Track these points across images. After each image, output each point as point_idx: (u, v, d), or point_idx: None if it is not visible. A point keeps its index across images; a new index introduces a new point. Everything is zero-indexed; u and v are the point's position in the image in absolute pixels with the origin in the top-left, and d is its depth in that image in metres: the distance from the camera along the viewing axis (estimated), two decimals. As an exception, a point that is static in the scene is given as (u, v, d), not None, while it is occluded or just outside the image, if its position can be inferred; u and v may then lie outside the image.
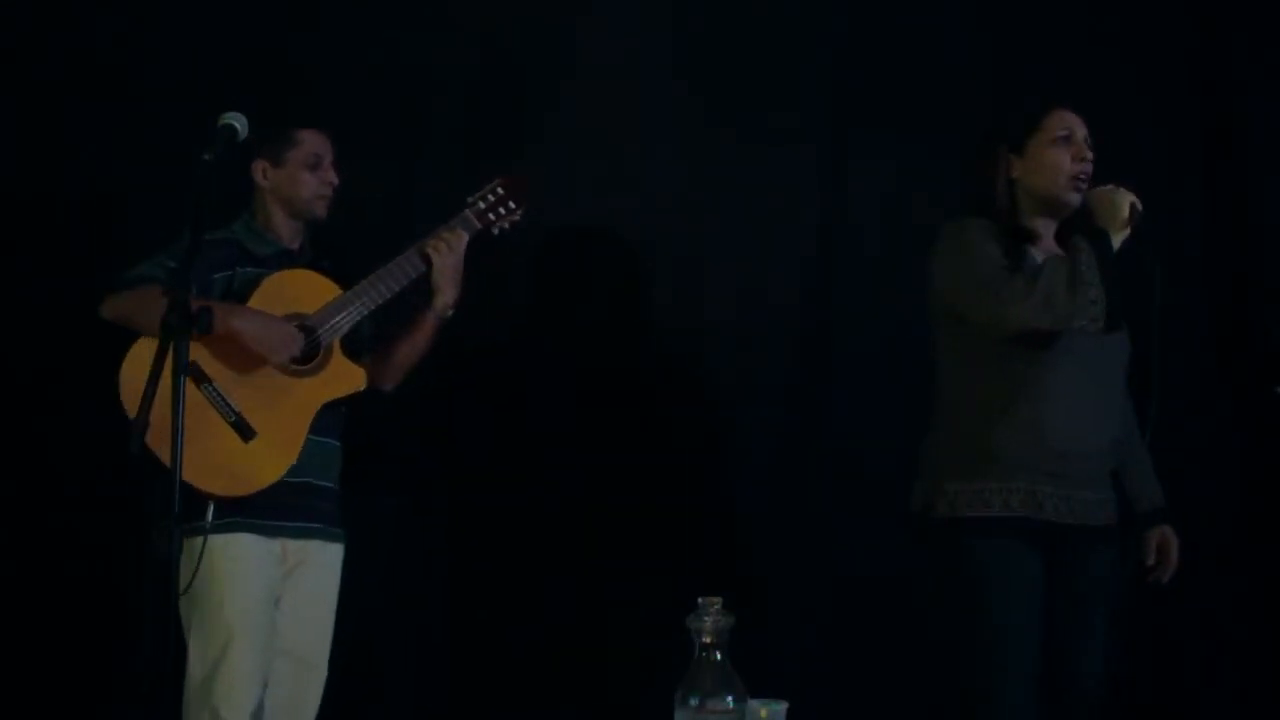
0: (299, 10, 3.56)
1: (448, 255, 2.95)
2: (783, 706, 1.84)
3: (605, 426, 3.49)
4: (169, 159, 2.94)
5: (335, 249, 3.08)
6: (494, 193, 3.03)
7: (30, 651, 3.30)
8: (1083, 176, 2.69)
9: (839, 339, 3.57)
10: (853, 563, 3.44)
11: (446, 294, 2.97)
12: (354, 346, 2.98)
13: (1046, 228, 2.74)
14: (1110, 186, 2.65)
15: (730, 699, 1.85)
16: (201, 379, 2.80)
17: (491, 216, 3.02)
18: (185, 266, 2.42)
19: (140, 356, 2.76)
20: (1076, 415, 2.64)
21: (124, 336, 2.81)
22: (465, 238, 2.98)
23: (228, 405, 2.81)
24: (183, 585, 2.63)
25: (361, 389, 2.92)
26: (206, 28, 3.45)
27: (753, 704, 1.84)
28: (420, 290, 2.97)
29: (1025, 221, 2.72)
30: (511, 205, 3.03)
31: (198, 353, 2.74)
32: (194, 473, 2.59)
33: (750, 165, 3.56)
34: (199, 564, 2.69)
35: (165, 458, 2.52)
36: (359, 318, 2.92)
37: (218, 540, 2.74)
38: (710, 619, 1.88)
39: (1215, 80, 3.63)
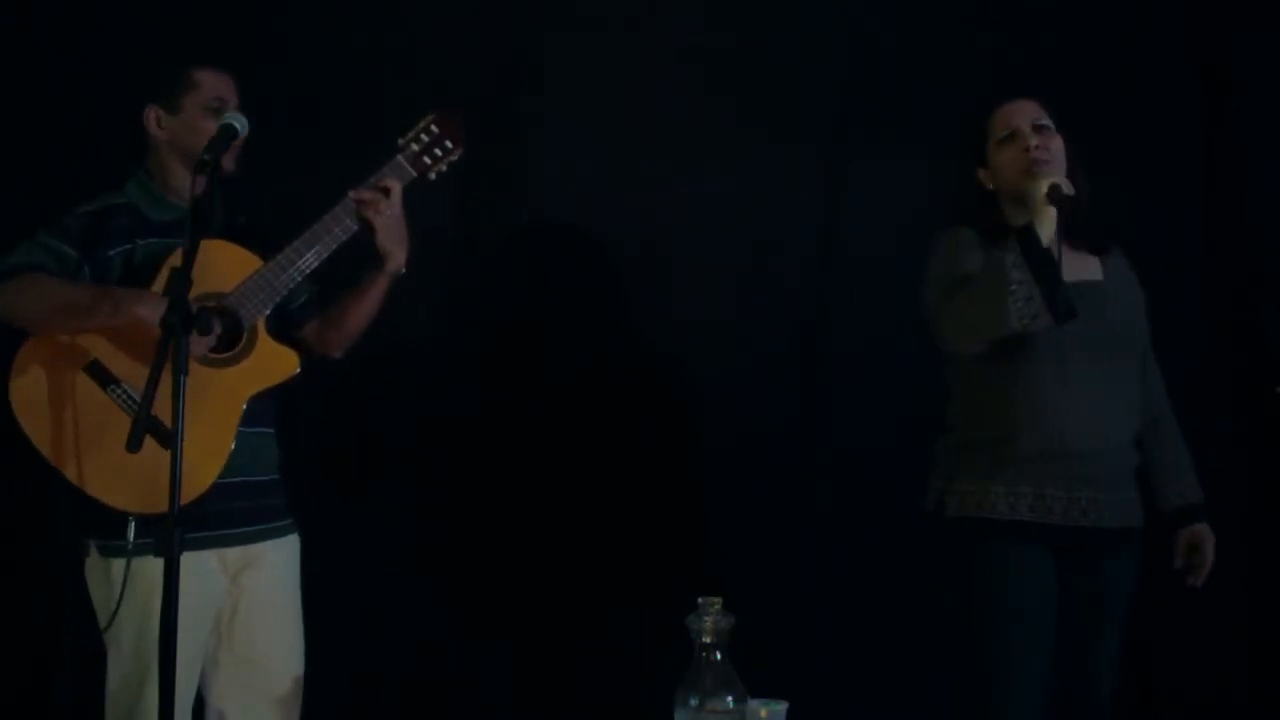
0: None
1: (388, 213, 2.61)
2: (783, 706, 1.85)
3: (605, 425, 3.48)
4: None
5: (250, 205, 2.77)
6: (427, 132, 2.67)
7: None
8: (1038, 160, 2.65)
9: (839, 339, 3.56)
10: (853, 562, 3.43)
11: (396, 255, 2.65)
12: (286, 314, 2.71)
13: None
14: (1030, 173, 2.61)
15: (730, 699, 1.85)
16: (107, 380, 2.48)
17: (427, 160, 2.66)
18: (186, 266, 2.25)
19: (33, 358, 2.50)
20: (1088, 412, 2.60)
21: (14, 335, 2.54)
22: (400, 188, 2.63)
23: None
24: (106, 614, 2.49)
25: (296, 373, 2.59)
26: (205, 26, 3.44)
27: (753, 704, 1.85)
28: (365, 250, 2.66)
29: (1015, 223, 2.68)
30: (448, 145, 2.67)
31: (98, 348, 2.49)
32: (106, 488, 2.44)
33: (751, 164, 3.56)
34: (122, 591, 2.42)
35: (69, 471, 2.44)
36: (285, 292, 2.58)
37: (141, 564, 2.41)
38: (710, 619, 1.88)
39: (1215, 79, 3.63)
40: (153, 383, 2.16)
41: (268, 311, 2.58)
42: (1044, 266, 2.49)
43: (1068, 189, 2.55)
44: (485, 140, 3.47)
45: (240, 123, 2.49)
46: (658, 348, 3.53)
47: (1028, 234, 2.52)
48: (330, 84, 3.38)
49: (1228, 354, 3.54)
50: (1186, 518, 2.79)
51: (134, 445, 2.16)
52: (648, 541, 3.41)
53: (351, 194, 2.63)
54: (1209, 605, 3.34)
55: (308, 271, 2.60)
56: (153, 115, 2.65)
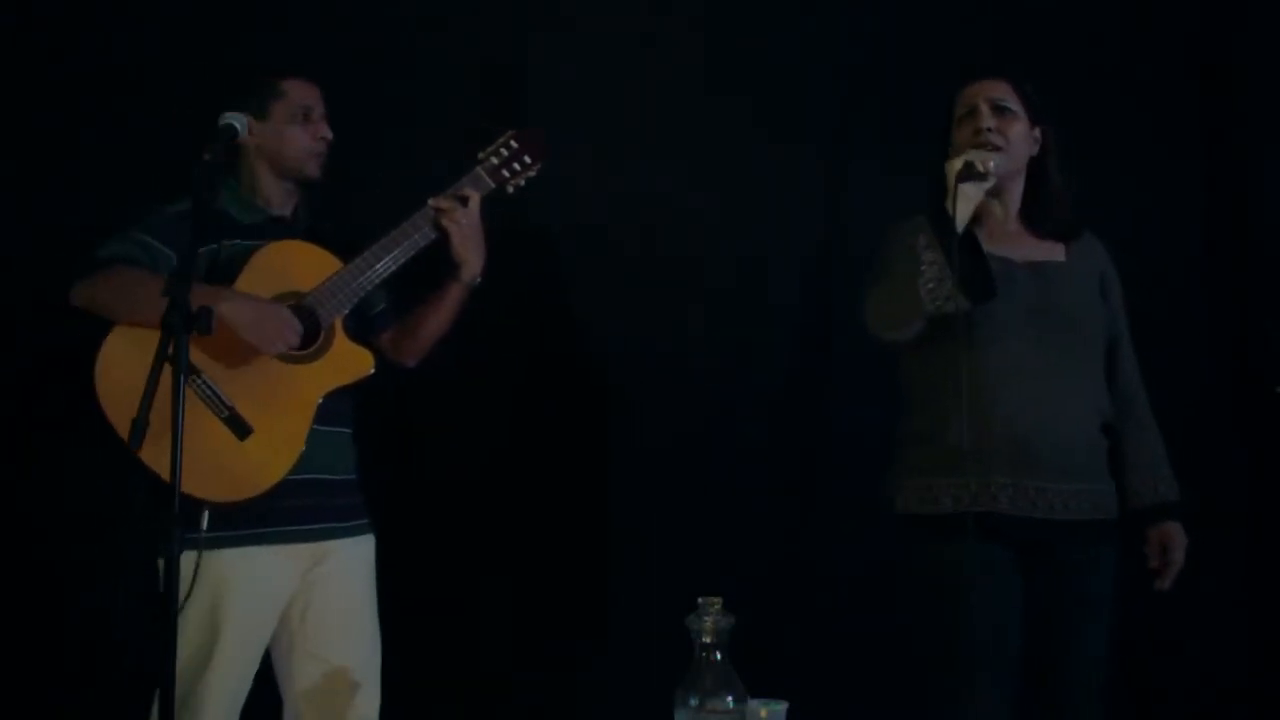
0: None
1: (465, 222, 2.68)
2: (783, 706, 1.85)
3: (605, 425, 3.48)
4: (167, 158, 2.85)
5: (335, 213, 2.86)
6: (506, 147, 2.76)
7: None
8: (985, 141, 2.59)
9: (839, 339, 3.56)
10: (853, 562, 3.43)
11: (473, 264, 2.72)
12: (364, 320, 2.78)
13: (1000, 205, 2.68)
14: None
15: (730, 699, 1.85)
16: (189, 371, 2.51)
17: (505, 174, 2.75)
18: (187, 265, 2.29)
19: (117, 348, 2.53)
20: (1034, 398, 2.51)
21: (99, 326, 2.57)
22: (478, 198, 2.71)
23: (219, 399, 2.52)
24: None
25: (370, 373, 2.66)
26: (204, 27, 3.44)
27: (753, 704, 1.85)
28: (442, 258, 2.73)
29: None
30: (527, 160, 2.76)
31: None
32: (185, 477, 2.38)
33: (751, 165, 3.56)
34: (194, 582, 2.42)
35: (151, 460, 2.40)
36: (363, 294, 2.66)
37: (212, 555, 2.47)
38: (710, 619, 1.88)
39: (1215, 79, 3.63)
40: (154, 376, 2.17)
41: (345, 311, 2.65)
42: (957, 246, 2.41)
43: (983, 168, 2.47)
44: (482, 140, 3.48)
45: (241, 123, 2.53)
46: (657, 348, 3.53)
47: (940, 214, 2.46)
48: (329, 82, 3.38)
49: (1228, 354, 3.54)
50: (1156, 515, 2.67)
51: (135, 443, 2.17)
52: (648, 541, 3.41)
53: (430, 202, 2.71)
54: (1209, 605, 3.35)
55: (385, 275, 2.67)
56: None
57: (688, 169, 3.52)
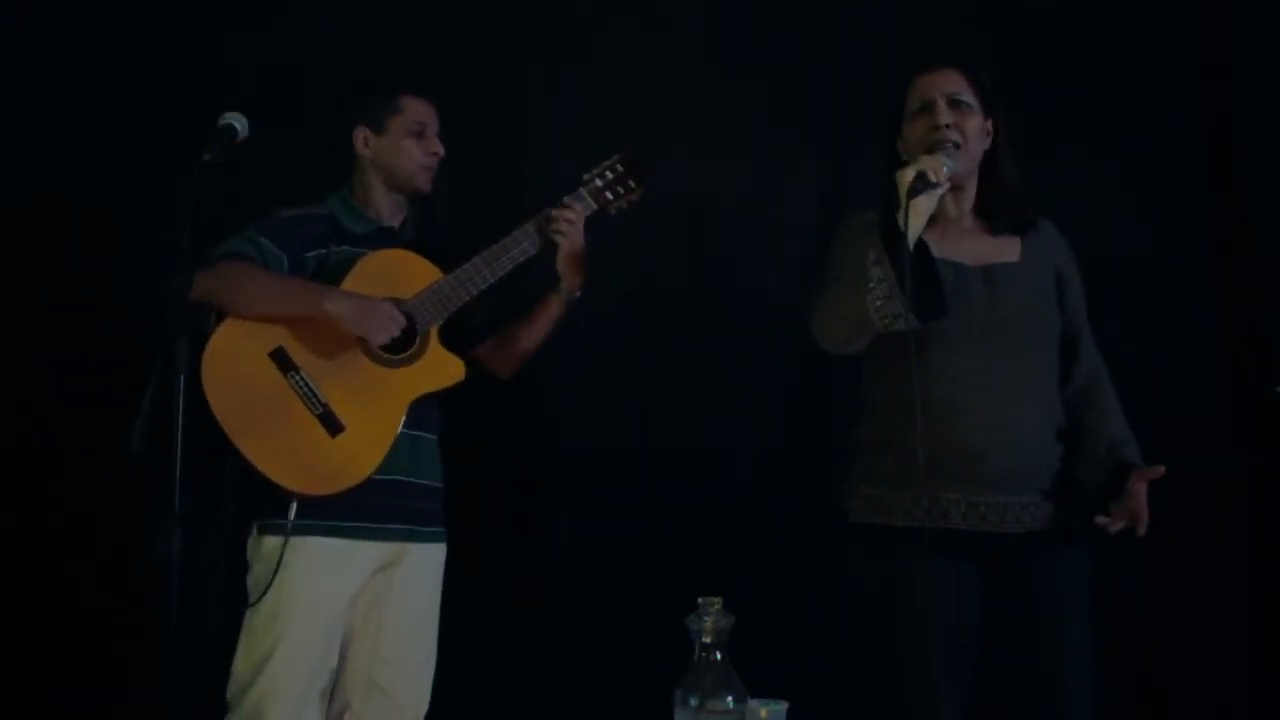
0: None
1: (571, 236, 2.78)
2: (783, 706, 1.85)
3: (604, 424, 3.48)
4: (169, 159, 2.86)
5: (442, 227, 2.96)
6: (612, 169, 2.85)
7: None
8: (943, 139, 2.47)
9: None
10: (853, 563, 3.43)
11: (573, 279, 2.83)
12: (464, 331, 2.84)
13: (954, 203, 2.57)
14: (930, 152, 2.41)
15: (730, 699, 1.86)
16: (288, 367, 2.65)
17: (609, 195, 2.84)
18: (186, 264, 2.30)
19: (225, 341, 2.62)
20: (990, 413, 2.42)
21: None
22: (583, 215, 2.80)
23: (315, 396, 2.64)
24: (259, 590, 2.61)
25: (460, 381, 2.75)
26: (203, 27, 3.45)
27: (753, 704, 1.85)
28: (539, 272, 2.81)
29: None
30: (631, 184, 2.85)
31: (284, 339, 2.66)
32: (276, 467, 2.58)
33: (750, 165, 3.56)
34: (278, 567, 2.57)
35: (245, 448, 2.56)
36: (461, 304, 2.74)
37: (294, 542, 2.60)
38: (710, 619, 1.89)
39: (1216, 80, 3.63)
40: (157, 377, 2.19)
41: (441, 320, 2.74)
42: (907, 263, 2.29)
43: (937, 177, 2.33)
44: (482, 142, 3.49)
45: (241, 123, 2.52)
46: (656, 348, 3.53)
47: (890, 227, 2.33)
48: (328, 77, 3.39)
49: (1228, 354, 3.54)
50: (1116, 489, 2.45)
51: (137, 443, 2.18)
52: (648, 541, 3.40)
53: (540, 215, 2.82)
54: (1209, 605, 3.35)
55: (483, 287, 2.75)
56: (361, 136, 2.85)
57: (686, 169, 3.52)
